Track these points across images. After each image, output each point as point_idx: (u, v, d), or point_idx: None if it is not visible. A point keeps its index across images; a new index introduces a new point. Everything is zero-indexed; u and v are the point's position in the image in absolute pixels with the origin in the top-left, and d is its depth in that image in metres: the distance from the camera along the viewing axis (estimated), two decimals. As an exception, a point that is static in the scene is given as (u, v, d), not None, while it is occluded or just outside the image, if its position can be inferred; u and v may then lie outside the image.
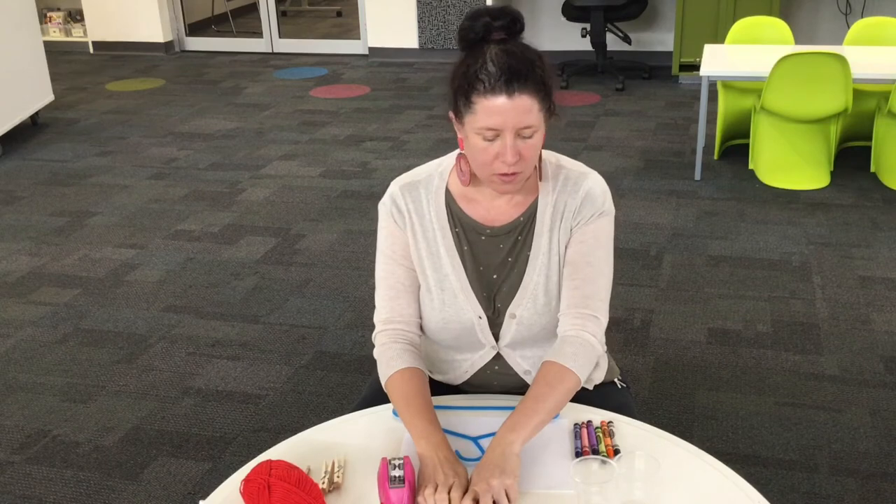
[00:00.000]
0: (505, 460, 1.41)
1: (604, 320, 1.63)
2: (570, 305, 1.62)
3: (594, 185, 1.64)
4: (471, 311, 1.66)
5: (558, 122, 1.59)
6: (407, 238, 1.67)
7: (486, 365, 1.72)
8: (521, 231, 1.65)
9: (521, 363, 1.71)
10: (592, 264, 1.62)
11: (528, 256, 1.65)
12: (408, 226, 1.66)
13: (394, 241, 1.67)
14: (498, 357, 1.71)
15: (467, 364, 1.73)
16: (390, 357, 1.63)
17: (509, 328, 1.67)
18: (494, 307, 1.67)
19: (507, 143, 1.48)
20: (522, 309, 1.65)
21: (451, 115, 1.56)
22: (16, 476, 2.54)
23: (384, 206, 1.68)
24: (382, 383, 1.62)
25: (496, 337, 1.69)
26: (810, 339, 3.12)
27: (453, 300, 1.66)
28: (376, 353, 1.66)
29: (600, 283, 1.63)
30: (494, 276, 1.67)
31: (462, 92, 1.49)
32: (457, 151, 1.67)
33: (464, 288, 1.65)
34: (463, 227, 1.66)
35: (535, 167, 1.63)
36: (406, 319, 1.68)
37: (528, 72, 1.46)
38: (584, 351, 1.59)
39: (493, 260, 1.66)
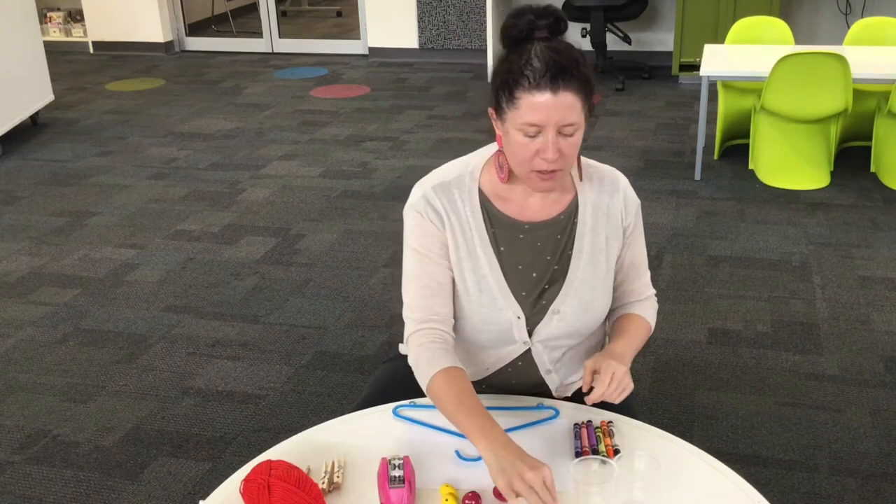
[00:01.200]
0: (626, 362, 1.57)
1: (654, 290, 1.83)
2: (638, 294, 1.78)
3: (625, 182, 1.72)
4: (509, 311, 1.65)
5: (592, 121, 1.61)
6: (445, 237, 1.64)
7: (510, 361, 1.71)
8: (563, 229, 1.66)
9: (546, 362, 1.71)
10: (643, 258, 1.78)
11: (570, 255, 1.66)
12: (446, 226, 1.63)
13: (429, 240, 1.64)
14: (525, 354, 1.70)
15: (492, 360, 1.72)
16: (430, 357, 1.57)
17: (549, 324, 1.66)
18: (538, 305, 1.66)
19: (549, 139, 1.49)
20: (567, 306, 1.66)
21: (492, 111, 1.57)
22: (16, 476, 2.54)
23: (415, 208, 1.65)
24: (423, 384, 1.56)
25: (530, 333, 1.68)
26: (810, 339, 3.12)
27: (492, 302, 1.64)
28: (413, 355, 1.61)
29: (648, 268, 1.82)
30: (535, 275, 1.66)
31: (505, 87, 1.50)
32: (482, 150, 1.68)
33: (501, 289, 1.64)
34: (500, 227, 1.65)
35: (575, 166, 1.65)
36: (442, 319, 1.64)
37: (573, 69, 1.47)
38: (654, 311, 1.80)
39: (532, 258, 1.66)
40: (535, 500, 1.31)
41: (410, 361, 1.62)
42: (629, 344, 1.65)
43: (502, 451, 1.38)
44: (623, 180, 1.71)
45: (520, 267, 1.66)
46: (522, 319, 1.65)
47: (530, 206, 1.65)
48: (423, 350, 1.60)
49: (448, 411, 1.50)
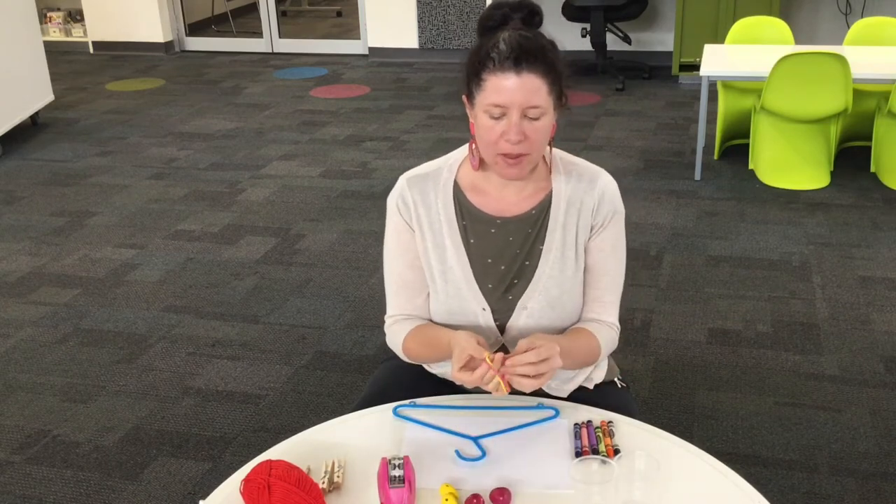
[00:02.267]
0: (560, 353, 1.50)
1: (618, 326, 1.74)
2: (591, 311, 1.70)
3: (609, 182, 1.69)
4: (474, 302, 1.67)
5: (566, 115, 1.61)
6: (413, 232, 1.69)
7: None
8: (533, 224, 1.66)
9: None
10: (609, 273, 1.70)
11: (540, 250, 1.66)
12: (413, 218, 1.68)
13: (399, 236, 1.71)
14: (502, 350, 1.70)
15: None
16: (396, 330, 1.72)
17: (518, 320, 1.67)
18: (505, 299, 1.67)
19: (513, 120, 1.51)
20: (534, 301, 1.66)
21: (465, 98, 1.60)
22: (16, 476, 2.54)
23: (391, 199, 1.71)
24: (402, 355, 1.70)
25: (501, 330, 1.69)
26: (810, 339, 3.12)
27: (457, 292, 1.67)
28: (387, 338, 1.74)
29: (616, 291, 1.72)
30: (503, 268, 1.67)
31: (473, 70, 1.54)
32: (467, 145, 1.69)
33: (468, 280, 1.66)
34: (471, 220, 1.67)
35: (544, 158, 1.65)
36: (409, 313, 1.72)
37: (538, 53, 1.50)
38: (611, 343, 1.72)
39: (502, 252, 1.67)
40: (471, 379, 1.45)
41: (388, 344, 1.76)
42: (570, 346, 1.58)
43: (458, 337, 1.52)
44: (605, 180, 1.68)
45: (489, 260, 1.67)
46: (488, 311, 1.67)
47: (504, 198, 1.67)
48: (391, 334, 1.76)
49: (425, 355, 1.67)
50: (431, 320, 1.73)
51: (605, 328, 1.70)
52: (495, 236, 1.67)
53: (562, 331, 1.69)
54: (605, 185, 1.67)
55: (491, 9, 1.57)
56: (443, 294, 1.68)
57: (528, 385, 1.45)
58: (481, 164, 1.65)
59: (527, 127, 1.52)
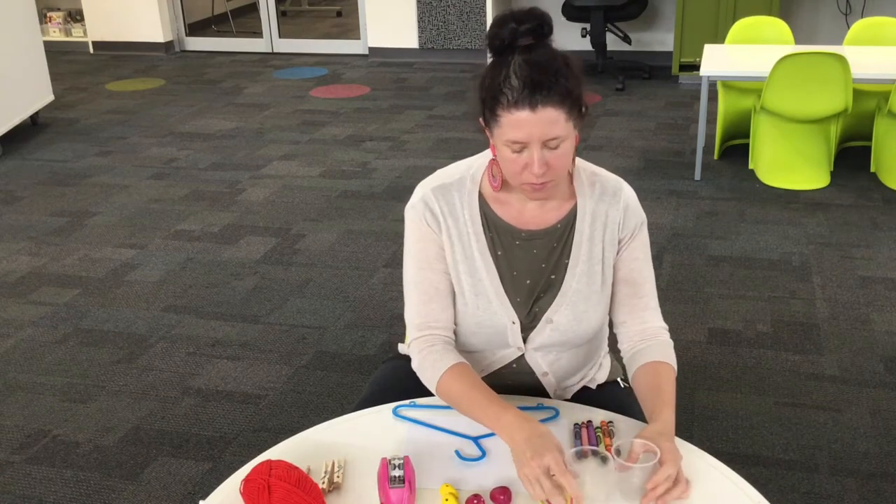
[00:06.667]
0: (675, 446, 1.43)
1: (666, 326, 1.71)
2: (643, 321, 1.68)
3: (630, 194, 1.67)
4: (504, 316, 1.64)
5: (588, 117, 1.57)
6: (441, 242, 1.64)
7: (505, 364, 1.71)
8: (559, 238, 1.64)
9: (542, 365, 1.70)
10: (648, 279, 1.70)
11: (566, 264, 1.64)
12: (443, 230, 1.63)
13: (426, 245, 1.64)
14: (520, 358, 1.70)
15: (486, 362, 1.71)
16: (434, 360, 1.59)
17: (542, 332, 1.66)
18: (531, 312, 1.65)
19: (535, 155, 1.47)
20: (560, 315, 1.64)
21: (481, 121, 1.55)
22: (16, 476, 2.54)
23: (415, 210, 1.65)
24: (432, 388, 1.58)
25: (525, 339, 1.67)
26: (810, 339, 3.12)
27: (487, 305, 1.64)
28: (416, 361, 1.62)
29: (655, 295, 1.71)
30: (528, 282, 1.65)
31: (487, 105, 1.49)
32: (487, 152, 1.66)
33: (498, 293, 1.64)
34: (497, 232, 1.64)
35: (569, 173, 1.63)
36: (442, 324, 1.64)
37: (551, 83, 1.44)
38: (672, 350, 1.67)
39: (527, 265, 1.65)
40: (538, 493, 1.32)
41: (414, 367, 1.63)
42: (672, 410, 1.53)
43: (517, 434, 1.41)
44: (627, 191, 1.67)
45: (515, 273, 1.65)
46: (517, 325, 1.65)
47: (528, 211, 1.64)
48: (425, 356, 1.61)
49: (462, 408, 1.53)
50: (456, 332, 1.68)
51: (665, 339, 1.68)
52: (520, 249, 1.64)
53: (584, 344, 1.68)
54: (627, 198, 1.66)
55: (496, 26, 1.49)
56: (472, 307, 1.64)
57: (675, 497, 1.37)
58: (503, 184, 1.62)
59: (549, 156, 1.48)
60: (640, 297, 1.68)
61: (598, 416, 1.60)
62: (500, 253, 1.64)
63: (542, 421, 1.59)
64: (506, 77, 1.45)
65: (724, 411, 2.73)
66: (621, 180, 1.69)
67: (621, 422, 1.59)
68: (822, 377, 2.89)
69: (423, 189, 1.65)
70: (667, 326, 1.71)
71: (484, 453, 1.50)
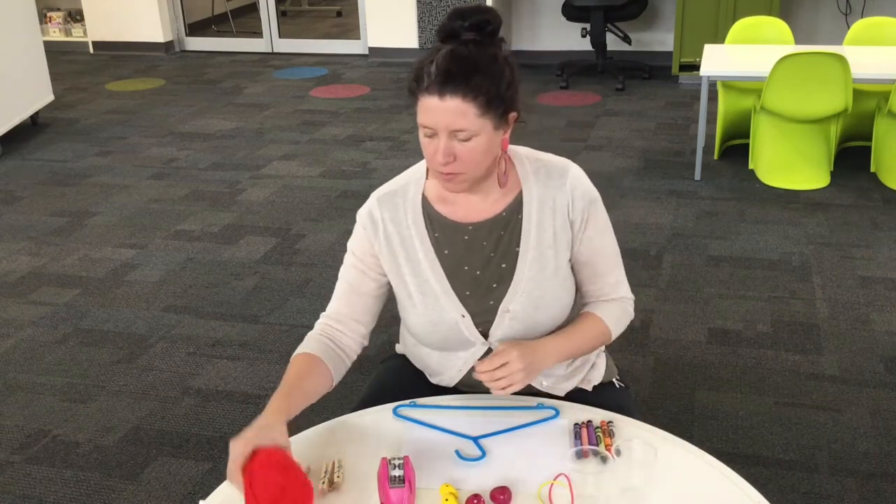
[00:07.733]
0: (537, 360, 1.55)
1: (631, 296, 1.77)
2: (602, 294, 1.73)
3: (577, 175, 1.67)
4: (453, 311, 1.66)
5: (522, 124, 1.60)
6: (375, 250, 1.69)
7: (477, 362, 1.71)
8: (505, 226, 1.65)
9: None
10: (607, 255, 1.71)
11: (517, 252, 1.65)
12: (381, 236, 1.68)
13: (359, 246, 1.72)
14: (488, 354, 1.70)
15: (460, 363, 1.72)
16: (304, 343, 1.73)
17: (502, 323, 1.66)
18: (486, 304, 1.66)
19: (441, 142, 1.51)
20: (516, 304, 1.65)
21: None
22: (16, 476, 2.54)
23: (360, 216, 1.72)
24: (294, 355, 1.73)
25: (485, 334, 1.68)
26: (810, 339, 3.12)
27: (435, 303, 1.66)
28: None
29: (618, 267, 1.74)
30: (478, 273, 1.66)
31: (411, 87, 1.53)
32: None
33: (444, 290, 1.66)
34: (442, 231, 1.66)
35: (508, 161, 1.65)
36: (341, 319, 1.75)
37: (465, 76, 1.46)
38: (624, 316, 1.75)
39: (477, 258, 1.66)
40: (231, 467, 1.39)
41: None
42: (561, 342, 1.64)
43: (258, 419, 1.46)
44: (573, 172, 1.67)
45: (465, 268, 1.67)
46: (468, 318, 1.66)
47: (473, 205, 1.66)
48: (307, 338, 1.75)
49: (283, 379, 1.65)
50: (411, 335, 1.76)
51: (615, 305, 1.73)
52: (469, 243, 1.66)
53: (547, 333, 1.67)
54: (574, 180, 1.65)
55: (447, 18, 1.53)
56: (421, 307, 1.67)
57: (499, 391, 1.51)
58: None
59: (457, 147, 1.51)
60: (600, 273, 1.72)
61: (598, 415, 1.60)
62: (446, 252, 1.66)
63: (543, 421, 1.59)
64: (429, 63, 1.49)
65: (724, 411, 2.73)
66: (568, 162, 1.69)
67: (621, 422, 1.59)
68: (822, 377, 2.89)
69: (372, 197, 1.71)
70: (631, 296, 1.77)
71: (484, 453, 1.51)
